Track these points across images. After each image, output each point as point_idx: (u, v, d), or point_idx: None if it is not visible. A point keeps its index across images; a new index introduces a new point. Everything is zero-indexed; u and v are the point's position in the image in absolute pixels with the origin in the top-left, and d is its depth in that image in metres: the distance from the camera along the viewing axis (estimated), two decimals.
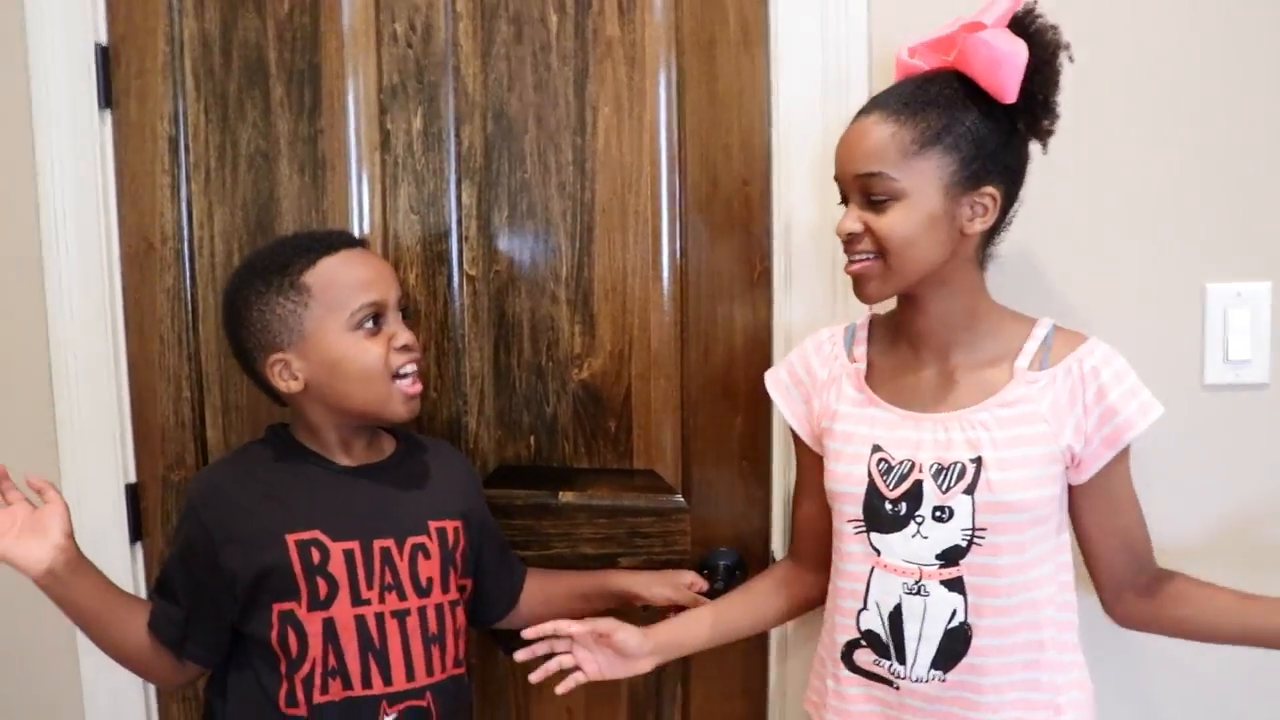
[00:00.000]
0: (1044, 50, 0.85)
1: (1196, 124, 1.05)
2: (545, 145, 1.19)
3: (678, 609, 1.13)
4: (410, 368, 1.01)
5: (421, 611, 1.01)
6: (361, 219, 1.23)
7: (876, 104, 0.89)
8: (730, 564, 1.18)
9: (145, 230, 1.27)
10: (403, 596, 1.00)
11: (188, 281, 1.27)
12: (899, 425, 0.91)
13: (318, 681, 0.96)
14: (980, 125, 0.85)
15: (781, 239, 1.14)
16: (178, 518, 1.12)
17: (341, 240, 1.03)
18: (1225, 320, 1.06)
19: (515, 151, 1.20)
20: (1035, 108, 0.87)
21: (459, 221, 1.22)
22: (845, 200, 0.91)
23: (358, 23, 1.22)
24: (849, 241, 0.89)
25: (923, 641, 0.89)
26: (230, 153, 1.25)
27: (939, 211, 0.86)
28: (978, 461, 0.86)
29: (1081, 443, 0.88)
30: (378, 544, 0.99)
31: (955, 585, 0.88)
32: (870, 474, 0.91)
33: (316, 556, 0.96)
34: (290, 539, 0.96)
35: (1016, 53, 0.84)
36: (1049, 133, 0.89)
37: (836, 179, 0.92)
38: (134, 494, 1.30)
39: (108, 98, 1.26)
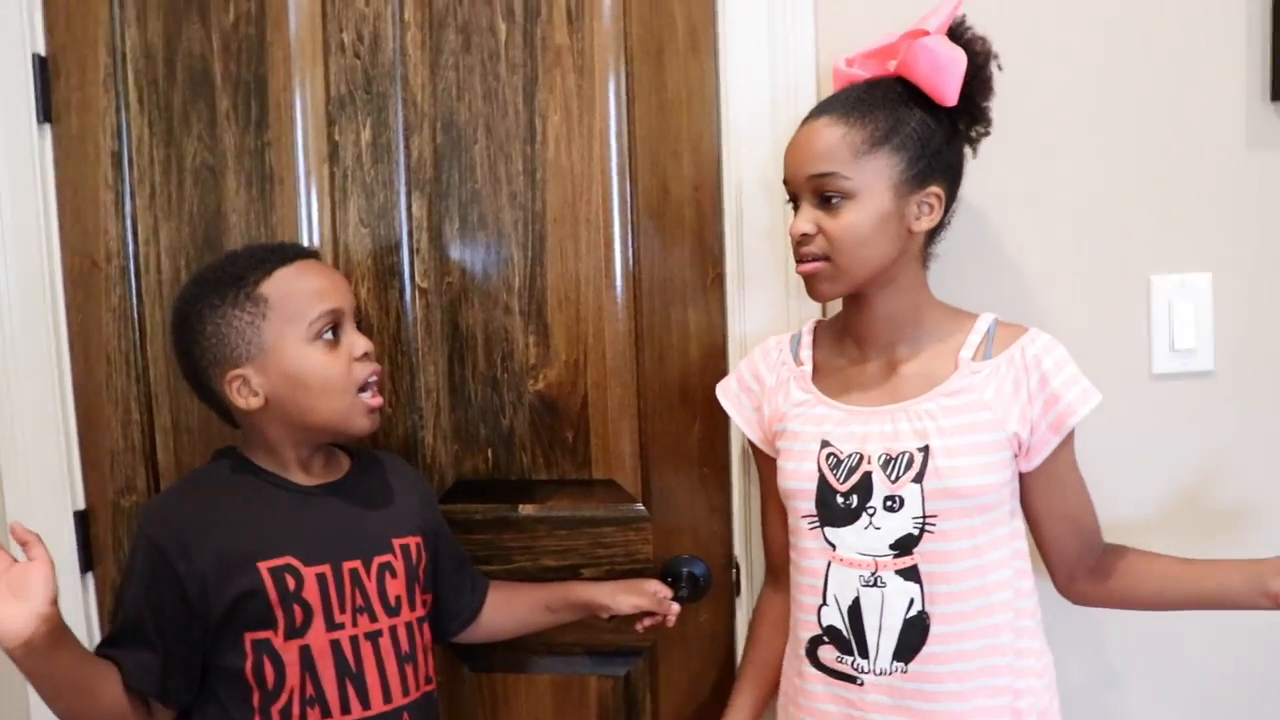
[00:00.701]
0: (976, 58, 0.90)
1: (1136, 121, 1.08)
2: (495, 155, 1.18)
3: (645, 617, 1.12)
4: (373, 379, 0.99)
5: (393, 631, 0.99)
6: (311, 232, 1.21)
7: (825, 108, 0.92)
8: (693, 571, 1.18)
9: (89, 248, 1.24)
10: (374, 618, 0.98)
11: (134, 300, 1.24)
12: (847, 421, 0.93)
13: (295, 711, 0.93)
14: (924, 126, 0.89)
15: (734, 243, 1.15)
16: (129, 551, 1.05)
17: (295, 251, 1.01)
18: (1170, 311, 1.08)
19: (465, 162, 1.19)
20: (974, 110, 0.91)
21: (410, 234, 1.20)
22: (794, 203, 0.93)
23: (304, 33, 1.20)
24: (800, 242, 0.91)
25: (883, 633, 0.90)
26: (176, 166, 1.22)
27: (889, 210, 0.88)
28: (925, 450, 0.88)
29: (1029, 430, 0.89)
30: (347, 565, 0.97)
31: (910, 574, 0.89)
32: (820, 468, 0.92)
33: (291, 583, 0.93)
34: (263, 566, 0.92)
35: (957, 59, 0.88)
36: (984, 135, 0.94)
37: (786, 182, 0.93)
38: (84, 521, 1.26)
39: (47, 111, 1.23)
